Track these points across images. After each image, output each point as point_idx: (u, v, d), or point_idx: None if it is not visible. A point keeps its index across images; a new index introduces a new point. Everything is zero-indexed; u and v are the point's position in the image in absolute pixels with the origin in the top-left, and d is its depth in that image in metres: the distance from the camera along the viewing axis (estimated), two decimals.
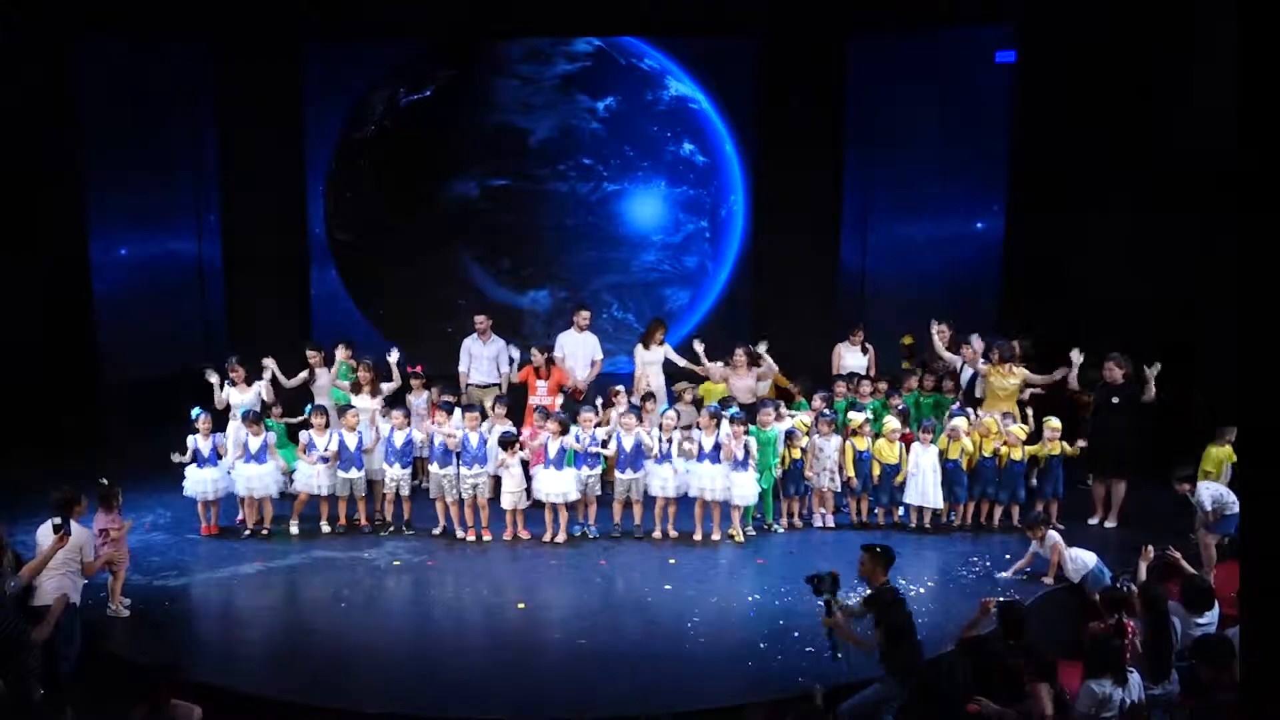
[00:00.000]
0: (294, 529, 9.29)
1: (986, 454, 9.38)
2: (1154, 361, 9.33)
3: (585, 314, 10.99)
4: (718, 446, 9.01)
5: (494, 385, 10.68)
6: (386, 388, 9.95)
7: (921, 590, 8.05)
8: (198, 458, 9.14)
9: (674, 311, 14.11)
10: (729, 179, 14.22)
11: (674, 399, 10.44)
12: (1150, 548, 7.57)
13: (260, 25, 12.74)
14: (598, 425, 9.28)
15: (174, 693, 5.47)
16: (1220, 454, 8.97)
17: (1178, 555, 7.61)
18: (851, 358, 11.07)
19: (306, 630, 7.62)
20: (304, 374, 10.27)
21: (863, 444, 9.46)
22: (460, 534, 9.24)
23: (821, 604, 6.18)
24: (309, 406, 9.80)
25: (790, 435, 9.38)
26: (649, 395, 10.12)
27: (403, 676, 6.74)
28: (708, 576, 8.41)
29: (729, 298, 14.36)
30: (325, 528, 9.36)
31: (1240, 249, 4.23)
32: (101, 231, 12.65)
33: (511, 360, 10.72)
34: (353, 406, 9.63)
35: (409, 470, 9.41)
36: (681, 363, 10.84)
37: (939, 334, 10.60)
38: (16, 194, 11.47)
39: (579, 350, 10.86)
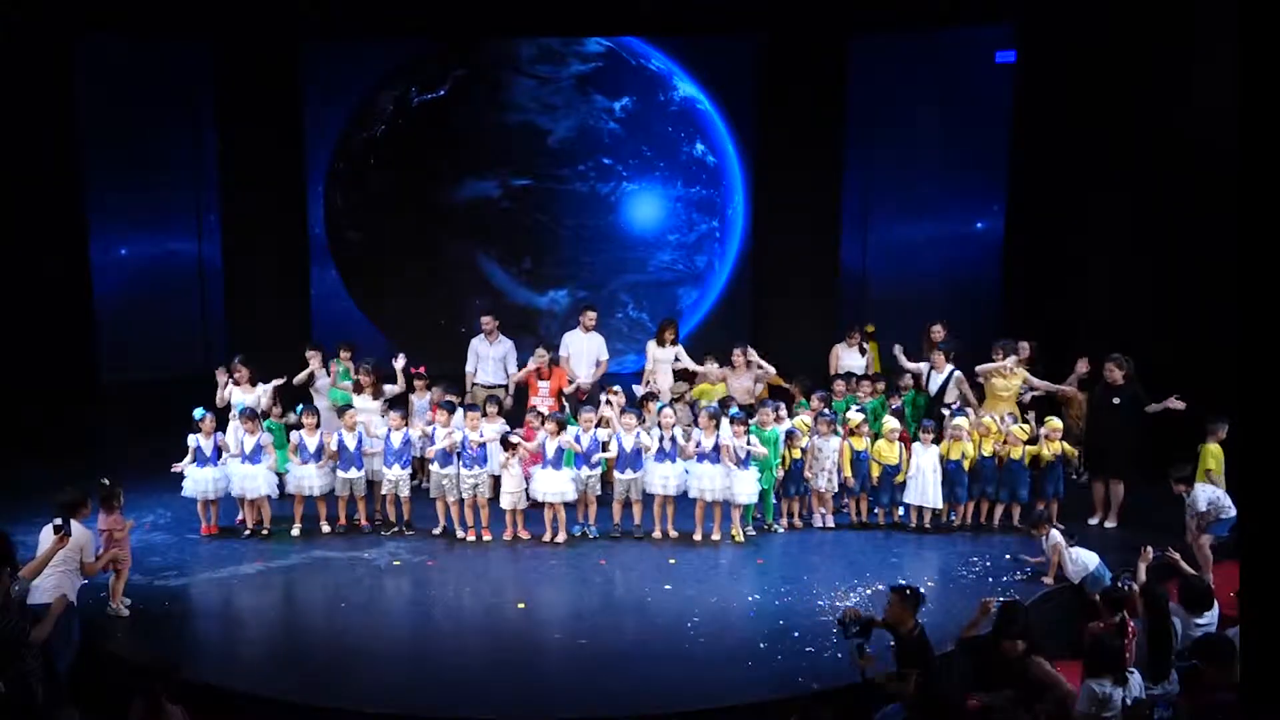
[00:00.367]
0: (295, 530, 9.29)
1: (986, 454, 9.38)
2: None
3: (592, 314, 10.96)
4: (717, 447, 9.01)
5: (500, 386, 10.63)
6: (389, 390, 9.94)
7: (921, 590, 8.02)
8: (198, 456, 9.12)
9: (683, 311, 14.16)
10: (733, 179, 14.25)
11: (670, 399, 10.43)
12: (1149, 548, 7.56)
13: (260, 25, 12.75)
14: (596, 426, 9.28)
15: (169, 693, 5.47)
16: (1218, 450, 8.95)
17: (1176, 556, 7.61)
18: (849, 358, 11.09)
19: (306, 630, 7.62)
20: (304, 374, 10.26)
21: (860, 444, 9.46)
22: (460, 534, 9.23)
23: (854, 647, 6.00)
24: (299, 407, 9.78)
25: (791, 435, 9.38)
26: (649, 395, 10.11)
27: (403, 676, 6.72)
28: (708, 576, 8.40)
29: (729, 297, 14.38)
30: (325, 528, 9.36)
31: (1240, 249, 4.24)
32: (101, 232, 12.67)
33: (521, 365, 10.69)
34: (353, 406, 9.63)
35: (409, 470, 9.41)
36: (686, 364, 10.83)
37: (934, 333, 10.71)
38: (17, 194, 11.47)
39: (584, 350, 10.84)
